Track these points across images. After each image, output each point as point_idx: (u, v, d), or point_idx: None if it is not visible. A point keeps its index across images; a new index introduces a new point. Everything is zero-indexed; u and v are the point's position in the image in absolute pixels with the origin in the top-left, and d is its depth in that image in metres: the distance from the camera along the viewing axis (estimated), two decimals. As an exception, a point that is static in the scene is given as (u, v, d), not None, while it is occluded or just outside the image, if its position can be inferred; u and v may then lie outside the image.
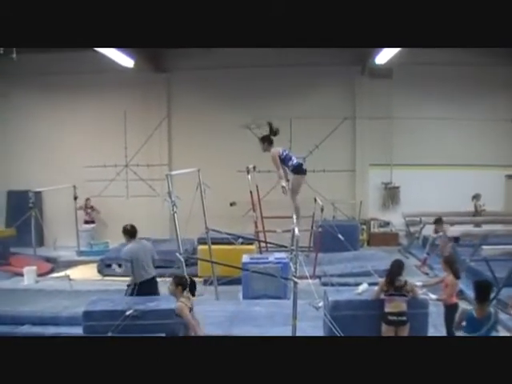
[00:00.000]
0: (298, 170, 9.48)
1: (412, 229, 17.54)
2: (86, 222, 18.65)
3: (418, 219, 16.78)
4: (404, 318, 7.83)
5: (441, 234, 13.81)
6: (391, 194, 18.94)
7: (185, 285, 7.84)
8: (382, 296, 8.10)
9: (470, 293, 8.79)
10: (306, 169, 9.63)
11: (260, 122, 18.27)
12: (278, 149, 9.60)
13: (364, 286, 8.87)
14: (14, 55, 12.80)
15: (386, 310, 7.95)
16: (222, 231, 11.77)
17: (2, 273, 14.90)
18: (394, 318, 7.85)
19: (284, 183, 9.51)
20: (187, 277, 8.23)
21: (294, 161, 9.48)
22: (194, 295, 8.09)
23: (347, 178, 19.03)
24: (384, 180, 18.98)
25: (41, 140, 19.56)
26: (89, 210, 18.81)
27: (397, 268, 8.16)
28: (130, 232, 10.01)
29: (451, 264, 8.77)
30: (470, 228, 15.28)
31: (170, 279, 9.62)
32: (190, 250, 14.03)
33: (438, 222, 14.11)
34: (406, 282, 8.04)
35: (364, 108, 18.68)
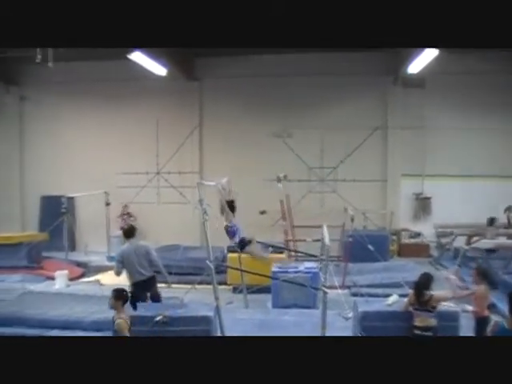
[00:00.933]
0: (241, 246, 9.45)
1: (443, 240, 17.37)
2: (122, 229, 18.77)
3: (449, 231, 16.62)
4: (429, 334, 7.70)
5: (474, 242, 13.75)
6: (422, 205, 18.78)
7: (126, 298, 7.61)
8: (410, 309, 8.02)
9: (502, 306, 8.68)
10: (246, 240, 9.55)
11: (291, 131, 18.39)
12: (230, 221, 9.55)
13: (394, 298, 8.80)
14: (51, 63, 12.99)
15: (414, 323, 7.86)
16: (252, 240, 11.76)
17: (35, 276, 15.11)
18: (419, 332, 7.73)
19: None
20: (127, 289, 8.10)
21: (237, 239, 9.43)
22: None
23: (378, 188, 18.92)
24: (415, 190, 18.82)
25: (74, 146, 19.87)
26: (125, 217, 18.96)
27: (423, 282, 8.02)
28: (125, 232, 10.43)
29: (484, 275, 8.62)
30: (503, 240, 15.11)
31: (200, 287, 9.68)
32: (219, 258, 14.02)
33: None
34: (431, 297, 7.91)
35: (396, 118, 18.57)
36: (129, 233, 10.33)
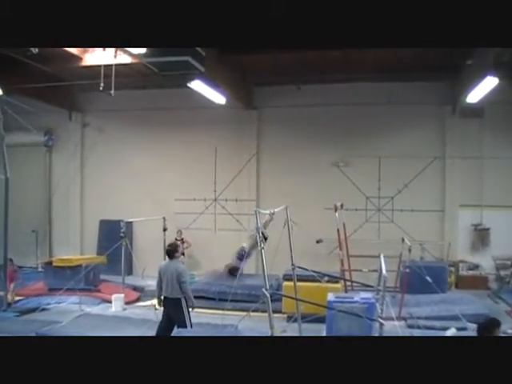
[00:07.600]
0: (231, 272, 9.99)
1: (502, 272, 17.03)
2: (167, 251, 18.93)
3: (509, 263, 16.29)
4: None
5: None
6: (481, 236, 18.36)
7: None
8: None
9: None
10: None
11: (348, 159, 18.34)
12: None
13: (452, 331, 8.67)
14: (113, 91, 13.35)
15: None
16: (308, 268, 11.74)
17: (92, 299, 15.41)
18: None
19: None
20: None
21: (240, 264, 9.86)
22: None
23: (436, 219, 18.63)
24: (474, 221, 18.46)
25: (134, 172, 20.28)
26: (178, 243, 19.10)
27: (485, 326, 7.71)
28: (166, 251, 11.10)
29: None
30: None
31: (254, 314, 9.69)
32: (275, 286, 14.01)
33: None
34: None
35: (454, 148, 18.30)
36: (166, 252, 11.06)
